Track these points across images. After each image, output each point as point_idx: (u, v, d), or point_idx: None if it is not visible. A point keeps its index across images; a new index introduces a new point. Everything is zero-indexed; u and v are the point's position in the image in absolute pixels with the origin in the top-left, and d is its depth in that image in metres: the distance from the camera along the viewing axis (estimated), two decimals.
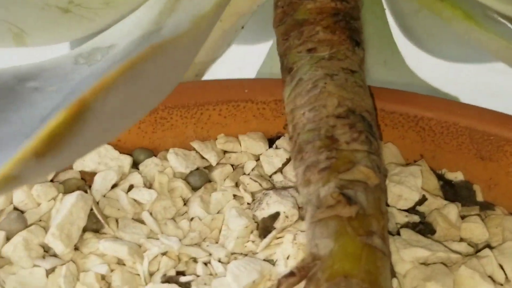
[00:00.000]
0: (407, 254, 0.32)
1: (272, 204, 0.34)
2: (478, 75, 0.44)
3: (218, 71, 0.46)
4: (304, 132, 0.33)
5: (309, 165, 0.31)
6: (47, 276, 0.30)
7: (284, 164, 0.37)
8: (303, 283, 0.29)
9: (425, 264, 0.32)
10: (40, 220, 0.33)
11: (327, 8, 0.36)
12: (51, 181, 0.35)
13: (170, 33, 0.28)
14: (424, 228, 0.34)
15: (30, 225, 0.33)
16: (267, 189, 0.36)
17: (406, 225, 0.34)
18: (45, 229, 0.32)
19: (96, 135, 0.24)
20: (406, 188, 0.35)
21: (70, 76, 0.28)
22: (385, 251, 0.29)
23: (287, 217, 0.33)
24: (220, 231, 0.34)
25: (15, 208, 0.34)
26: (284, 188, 0.36)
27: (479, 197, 0.37)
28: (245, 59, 0.50)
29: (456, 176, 0.38)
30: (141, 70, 0.22)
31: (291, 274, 0.28)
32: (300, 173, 0.32)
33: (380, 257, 0.28)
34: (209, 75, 0.46)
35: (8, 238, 0.32)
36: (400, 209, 0.35)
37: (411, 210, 0.35)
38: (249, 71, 0.49)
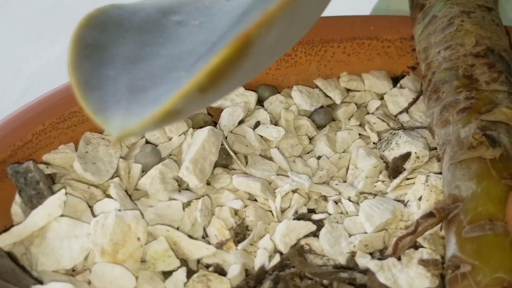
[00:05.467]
0: None
1: (402, 144, 0.33)
2: None
3: (333, 7, 0.45)
4: (440, 71, 0.32)
5: (447, 105, 0.31)
6: (183, 209, 0.31)
7: (411, 104, 0.36)
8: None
9: None
10: (171, 154, 0.34)
11: None
12: None
13: None
14: None
15: (163, 159, 0.33)
16: (394, 129, 0.35)
17: None
18: (177, 163, 0.33)
19: (253, 69, 0.23)
20: None
21: (210, 10, 0.28)
22: None
23: (418, 157, 0.33)
24: (347, 170, 0.34)
25: (147, 142, 0.34)
26: (412, 128, 0.35)
27: None
28: None
29: None
30: (298, 3, 0.22)
31: (430, 214, 0.28)
32: (436, 113, 0.31)
33: None
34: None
35: (143, 171, 0.32)
36: None
37: None
38: (364, 6, 0.48)
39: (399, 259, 0.28)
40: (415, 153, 0.33)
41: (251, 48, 0.20)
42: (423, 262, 0.28)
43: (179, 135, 0.34)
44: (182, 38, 0.26)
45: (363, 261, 0.28)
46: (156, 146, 0.34)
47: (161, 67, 0.24)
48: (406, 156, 0.33)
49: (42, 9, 0.66)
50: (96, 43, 0.24)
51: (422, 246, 0.29)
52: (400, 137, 0.34)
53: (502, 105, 0.30)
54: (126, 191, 0.31)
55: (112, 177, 0.32)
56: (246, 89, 0.36)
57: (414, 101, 0.36)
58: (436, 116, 0.31)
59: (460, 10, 0.33)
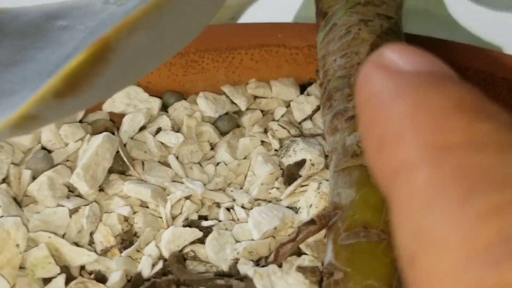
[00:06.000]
0: None
1: (299, 152, 0.33)
2: None
3: (254, 14, 0.45)
4: (335, 79, 0.32)
5: (337, 113, 0.31)
6: (70, 216, 0.31)
7: (315, 111, 0.37)
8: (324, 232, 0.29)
9: None
10: (67, 160, 0.33)
11: None
12: (80, 121, 0.35)
13: None
14: None
15: (57, 165, 0.33)
16: (295, 136, 0.35)
17: None
18: (71, 169, 0.32)
19: (120, 76, 0.23)
20: None
21: (99, 15, 0.28)
22: None
23: (313, 165, 0.33)
24: (245, 177, 0.34)
25: (43, 148, 0.34)
26: (313, 135, 0.35)
27: None
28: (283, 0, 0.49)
29: None
30: (165, 10, 0.22)
31: (311, 222, 0.28)
32: (328, 121, 0.31)
33: None
34: (245, 18, 0.45)
35: (34, 177, 0.32)
36: None
37: None
38: (287, 14, 0.48)
39: (281, 266, 0.29)
40: (310, 160, 0.33)
41: (110, 54, 0.20)
42: (300, 269, 0.28)
43: (76, 141, 0.34)
44: (63, 43, 0.26)
45: (245, 268, 0.28)
46: (50, 152, 0.33)
47: (34, 71, 0.24)
48: (301, 163, 0.33)
49: None
50: None
51: (305, 253, 0.29)
52: (297, 144, 0.34)
53: None
54: (15, 198, 0.31)
55: (1, 183, 0.32)
56: (150, 95, 0.36)
57: (318, 109, 0.37)
58: (327, 124, 0.31)
59: (359, 18, 0.33)
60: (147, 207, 0.32)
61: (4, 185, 0.31)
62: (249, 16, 0.45)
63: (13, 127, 0.20)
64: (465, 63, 0.36)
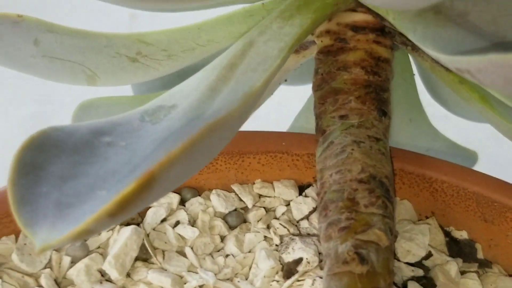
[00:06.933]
0: None
1: (297, 250, 0.39)
2: (498, 136, 0.49)
3: (257, 117, 0.52)
4: (330, 192, 0.38)
5: (331, 223, 0.37)
6: None
7: (311, 212, 0.43)
8: None
9: None
10: (99, 247, 0.39)
11: (361, 80, 0.41)
12: None
13: (222, 108, 0.33)
14: (427, 283, 0.39)
15: (91, 251, 0.38)
16: (293, 235, 0.41)
17: (412, 278, 0.39)
18: (103, 255, 0.38)
19: (159, 195, 0.29)
20: (414, 244, 0.40)
21: (137, 132, 0.34)
22: None
23: (308, 262, 0.39)
24: (250, 268, 0.40)
25: None
26: (309, 235, 0.41)
27: (480, 255, 0.42)
28: (283, 107, 0.55)
29: (461, 234, 0.43)
30: (198, 145, 0.28)
31: None
32: (323, 228, 0.37)
33: None
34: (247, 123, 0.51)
35: (72, 262, 0.38)
36: (407, 263, 0.40)
37: (417, 264, 0.40)
38: (284, 121, 0.54)
39: None
40: (306, 258, 0.39)
41: (154, 183, 0.25)
42: None
43: (107, 231, 0.39)
44: (109, 158, 0.31)
45: None
46: (85, 240, 0.39)
47: (87, 185, 0.29)
48: (299, 261, 0.39)
49: None
50: (34, 163, 0.29)
51: None
52: (296, 243, 0.40)
53: (375, 227, 0.36)
54: (55, 280, 0.37)
55: (45, 267, 0.37)
56: (170, 192, 0.42)
57: (314, 210, 0.43)
58: (323, 231, 0.37)
59: (352, 139, 0.39)
60: None
61: (48, 270, 0.37)
62: (250, 124, 0.51)
63: (74, 239, 0.25)
64: (442, 177, 0.43)
